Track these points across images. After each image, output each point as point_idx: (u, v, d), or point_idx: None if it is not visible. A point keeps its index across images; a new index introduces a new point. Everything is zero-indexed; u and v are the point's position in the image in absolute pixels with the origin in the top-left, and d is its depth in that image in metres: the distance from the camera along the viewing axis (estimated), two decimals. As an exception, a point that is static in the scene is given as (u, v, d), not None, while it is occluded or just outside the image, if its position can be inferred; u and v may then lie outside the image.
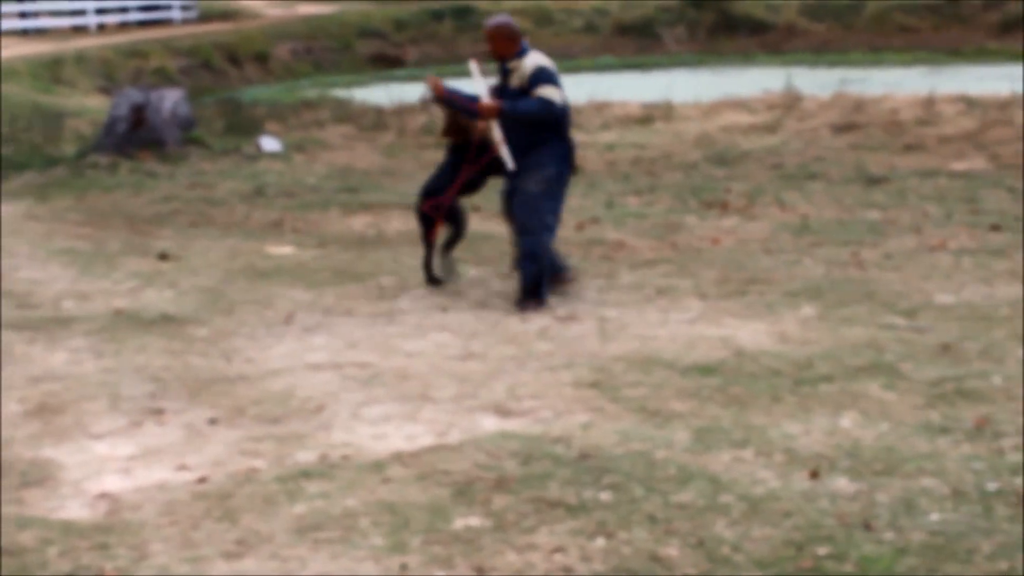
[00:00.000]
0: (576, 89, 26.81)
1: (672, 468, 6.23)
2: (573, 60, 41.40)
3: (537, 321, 9.42)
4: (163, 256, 12.31)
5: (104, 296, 10.80)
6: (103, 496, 6.37)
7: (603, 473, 6.19)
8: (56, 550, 5.67)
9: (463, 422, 7.23)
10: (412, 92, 24.92)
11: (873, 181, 14.82)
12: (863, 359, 8.02)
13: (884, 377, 7.65)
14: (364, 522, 5.79)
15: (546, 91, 9.62)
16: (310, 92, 30.67)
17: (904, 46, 40.71)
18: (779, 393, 7.42)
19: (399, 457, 6.64)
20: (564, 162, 9.84)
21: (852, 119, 18.97)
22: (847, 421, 6.92)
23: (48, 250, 12.93)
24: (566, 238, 12.23)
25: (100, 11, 43.34)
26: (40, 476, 6.68)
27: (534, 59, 9.75)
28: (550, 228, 9.83)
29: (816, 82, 26.87)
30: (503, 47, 9.84)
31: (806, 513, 5.66)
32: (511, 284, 10.45)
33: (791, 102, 21.17)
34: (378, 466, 6.51)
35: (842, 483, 6.00)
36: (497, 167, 10.09)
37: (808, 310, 9.39)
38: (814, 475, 6.09)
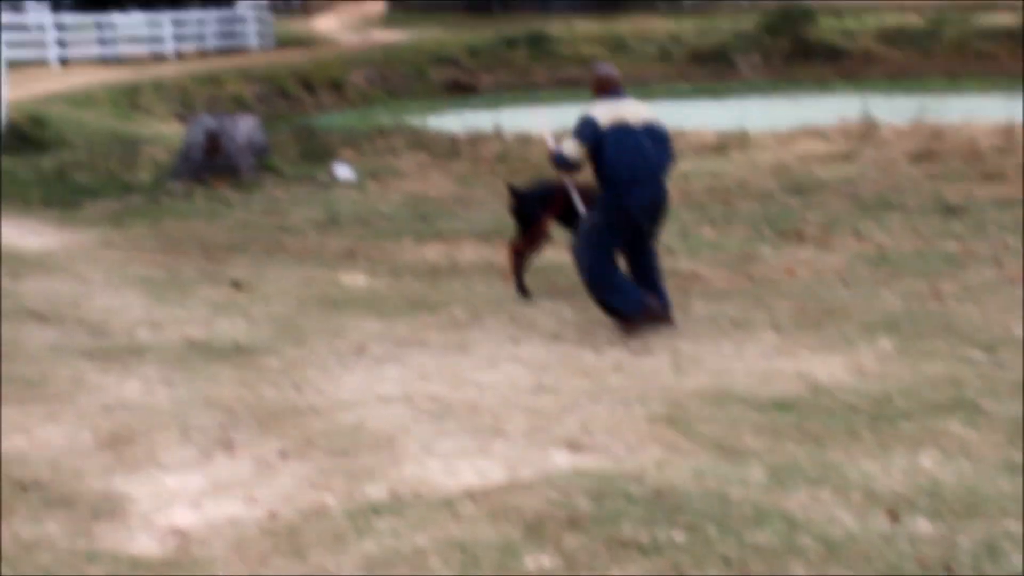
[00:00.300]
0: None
1: (747, 507, 6.12)
2: (647, 87, 41.30)
3: (611, 354, 9.33)
4: (236, 284, 12.33)
5: (177, 325, 10.82)
6: (173, 530, 6.34)
7: (677, 512, 6.08)
8: (125, 585, 5.65)
9: (535, 457, 7.15)
10: (485, 119, 24.93)
11: (951, 211, 14.60)
12: (943, 395, 7.87)
13: (964, 414, 7.49)
14: (434, 561, 5.72)
15: (565, 142, 10.09)
16: (384, 119, 30.75)
17: (982, 72, 40.31)
18: (857, 430, 7.28)
19: (470, 493, 6.57)
20: (607, 212, 9.95)
21: (930, 147, 18.74)
22: (927, 460, 6.78)
23: (123, 278, 12.99)
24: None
25: (178, 39, 43.72)
26: (110, 509, 6.66)
27: (589, 109, 10.05)
28: (594, 273, 9.97)
29: (893, 109, 26.57)
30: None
31: (885, 556, 5.54)
32: (584, 315, 10.37)
33: (868, 130, 20.96)
34: (448, 503, 6.43)
35: (922, 525, 5.86)
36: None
37: (886, 344, 9.23)
38: (893, 516, 5.96)
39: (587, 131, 9.90)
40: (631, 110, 9.97)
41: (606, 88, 10.06)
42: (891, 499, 6.19)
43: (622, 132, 9.81)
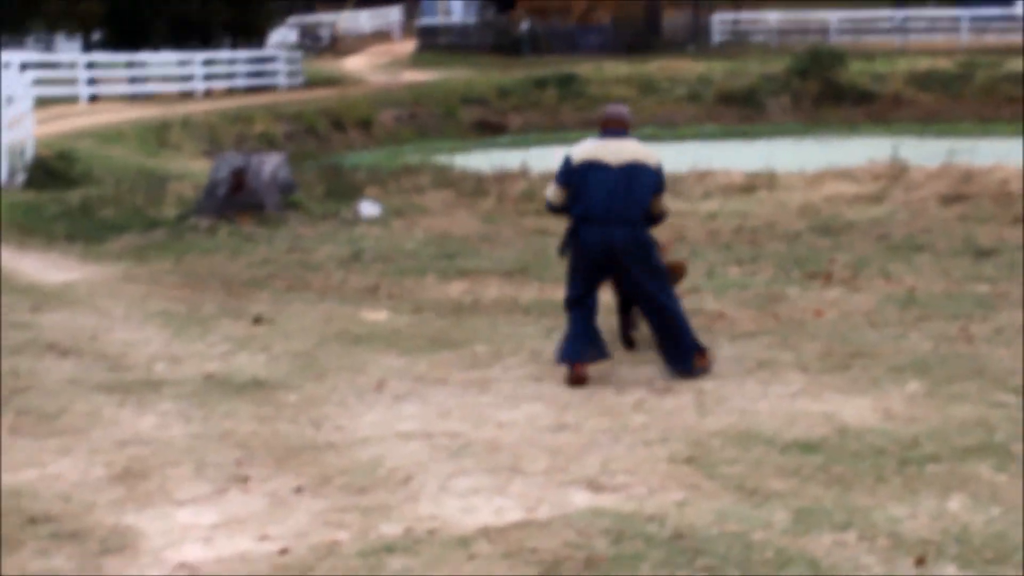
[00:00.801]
0: (678, 157, 26.74)
1: (770, 551, 5.96)
2: (676, 128, 41.34)
3: (633, 393, 9.18)
4: (258, 320, 12.22)
5: (196, 359, 10.72)
6: (183, 566, 6.23)
7: (697, 555, 5.93)
8: (130, 623, 5.51)
9: (553, 497, 7.01)
10: (513, 158, 24.88)
11: (982, 253, 14.44)
12: (972, 439, 7.70)
13: (994, 458, 7.32)
14: (447, 602, 5.58)
15: (549, 185, 10.18)
16: (412, 158, 30.74)
17: (1013, 116, 40.17)
18: (884, 473, 7.12)
19: (486, 532, 6.43)
20: (571, 248, 9.89)
21: (960, 190, 18.57)
22: (955, 504, 6.61)
23: (144, 312, 12.90)
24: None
25: (208, 77, 43.89)
26: (120, 543, 6.54)
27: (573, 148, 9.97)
28: (569, 305, 9.89)
29: (923, 152, 26.44)
30: None
31: (912, 603, 5.37)
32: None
33: (897, 172, 20.80)
34: (464, 542, 6.29)
35: (950, 571, 5.71)
36: None
37: (915, 386, 9.06)
38: (920, 562, 5.80)
39: (561, 170, 9.79)
40: (614, 148, 9.61)
41: (606, 127, 9.77)
42: (918, 545, 6.03)
43: (592, 170, 9.55)
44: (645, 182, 9.55)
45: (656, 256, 9.75)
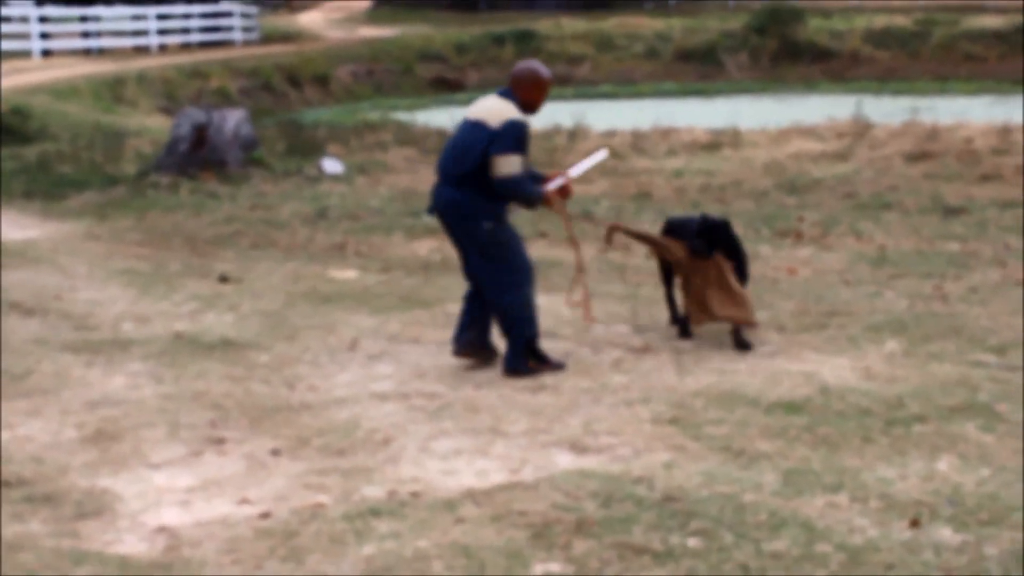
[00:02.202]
0: (639, 114, 26.69)
1: (763, 513, 5.87)
2: (634, 86, 41.17)
3: (610, 353, 9.08)
4: (224, 279, 12.05)
5: (164, 319, 10.55)
6: (162, 530, 6.09)
7: (689, 517, 5.84)
8: (113, 589, 5.38)
9: (537, 458, 6.90)
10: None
11: (951, 212, 14.40)
12: (956, 399, 7.63)
13: (980, 419, 7.26)
14: (438, 566, 5.47)
15: None
16: (371, 115, 30.51)
17: (970, 74, 40.22)
18: (870, 434, 7.05)
19: (471, 495, 6.32)
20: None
21: (925, 148, 18.54)
22: (944, 465, 6.55)
23: (107, 270, 12.71)
24: (637, 266, 11.93)
25: (162, 32, 43.37)
26: (96, 507, 6.40)
27: None
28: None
29: (882, 110, 26.47)
30: None
31: (910, 565, 5.30)
32: (581, 312, 10.13)
33: (861, 130, 20.77)
34: (450, 505, 6.18)
35: (945, 533, 5.63)
36: None
37: (893, 345, 9.00)
38: (915, 524, 5.73)
39: None
40: (480, 105, 8.66)
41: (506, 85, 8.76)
42: (911, 506, 5.96)
43: (456, 129, 8.82)
44: (475, 142, 8.44)
45: (485, 231, 8.52)
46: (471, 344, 8.87)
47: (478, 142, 8.45)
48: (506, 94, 8.57)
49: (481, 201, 8.51)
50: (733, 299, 9.03)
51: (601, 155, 9.72)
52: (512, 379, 8.48)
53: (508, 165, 8.39)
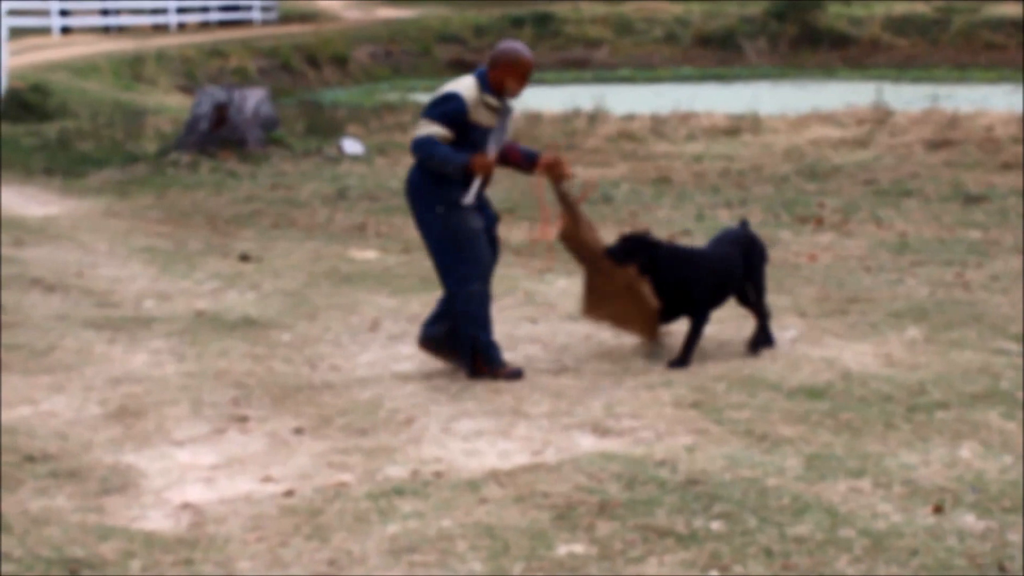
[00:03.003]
0: (658, 99, 26.68)
1: (786, 497, 5.88)
2: (653, 70, 41.10)
3: (631, 336, 9.07)
4: (244, 257, 12.09)
5: (185, 296, 10.58)
6: (186, 506, 6.12)
7: (713, 500, 5.85)
8: (139, 564, 5.42)
9: (559, 440, 6.92)
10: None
11: (971, 199, 14.37)
12: (978, 386, 7.62)
13: (1002, 406, 7.25)
14: (461, 545, 5.48)
15: None
16: (390, 95, 30.49)
17: (990, 63, 40.08)
18: (893, 420, 7.04)
19: (494, 476, 6.33)
20: None
21: (946, 135, 18.49)
22: (967, 452, 6.54)
23: (128, 248, 12.75)
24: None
25: (181, 10, 43.39)
26: (121, 483, 6.43)
27: None
28: None
29: (901, 97, 26.42)
30: None
31: (933, 551, 5.31)
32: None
33: (881, 117, 20.71)
34: (473, 485, 6.20)
35: (969, 520, 5.63)
36: None
37: (914, 332, 8.99)
38: (938, 510, 5.73)
39: None
40: (451, 83, 8.21)
41: None
42: (934, 492, 5.96)
43: None
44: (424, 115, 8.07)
45: (437, 215, 8.10)
46: (434, 339, 8.34)
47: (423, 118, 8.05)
48: (480, 75, 8.05)
49: (432, 182, 8.07)
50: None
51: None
52: (533, 358, 8.46)
53: (420, 128, 7.97)
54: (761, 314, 8.73)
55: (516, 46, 8.18)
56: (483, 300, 8.19)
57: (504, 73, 8.02)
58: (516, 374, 8.18)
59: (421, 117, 8.04)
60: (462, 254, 8.10)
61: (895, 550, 5.33)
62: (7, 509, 5.99)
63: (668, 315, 8.60)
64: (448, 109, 7.94)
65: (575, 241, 8.68)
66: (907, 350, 8.55)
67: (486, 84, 8.02)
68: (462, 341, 8.22)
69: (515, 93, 8.14)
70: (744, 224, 9.09)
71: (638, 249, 8.46)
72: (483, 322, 8.19)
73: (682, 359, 8.34)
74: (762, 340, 8.65)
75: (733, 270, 8.68)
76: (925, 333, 8.97)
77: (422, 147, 7.95)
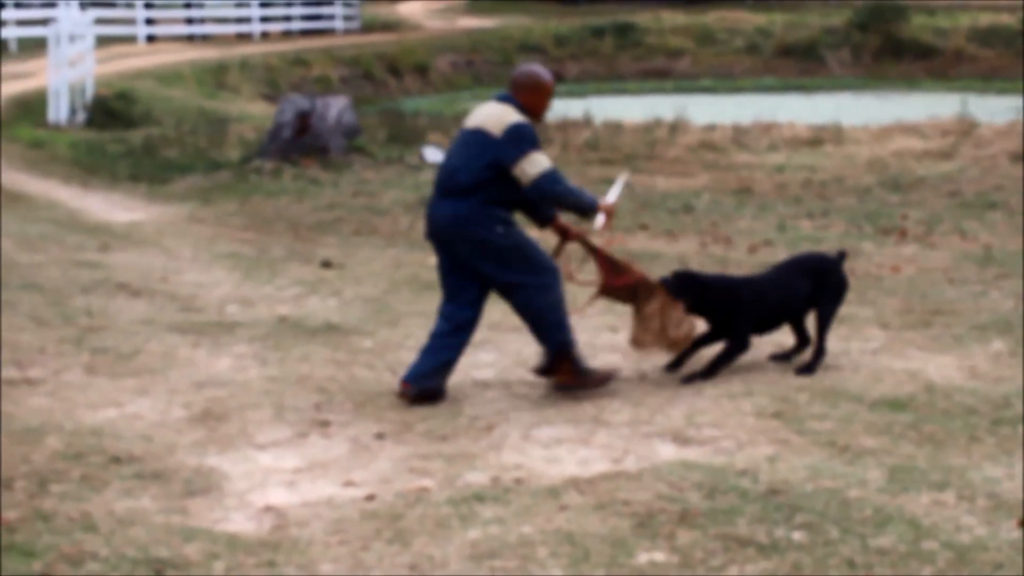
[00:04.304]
0: (739, 109, 26.59)
1: (868, 509, 5.85)
2: (734, 80, 40.99)
3: (712, 347, 9.04)
4: (327, 264, 12.17)
5: (267, 302, 10.67)
6: (269, 509, 6.17)
7: (794, 511, 5.83)
8: (222, 565, 5.47)
9: (640, 449, 6.92)
10: (571, 107, 24.67)
11: (1058, 213, 14.22)
12: (1063, 400, 7.55)
13: (1088, 421, 7.17)
14: (542, 552, 5.50)
15: None
16: (470, 104, 30.55)
17: (1077, 74, 39.57)
18: (976, 433, 6.99)
19: (575, 483, 6.34)
20: None
21: (1032, 148, 18.30)
22: (1052, 466, 6.48)
23: (212, 254, 12.88)
24: (739, 260, 11.88)
25: (264, 19, 43.78)
26: (205, 485, 6.50)
27: None
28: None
29: (986, 109, 26.13)
30: None
31: (1019, 565, 5.26)
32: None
33: (966, 128, 20.54)
34: (553, 492, 6.21)
35: (1054, 534, 5.58)
36: None
37: (999, 345, 8.90)
38: (1023, 524, 5.68)
39: None
40: (479, 112, 8.09)
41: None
42: (1019, 506, 5.90)
43: (454, 141, 8.23)
44: (478, 152, 7.86)
45: (500, 234, 7.92)
46: (432, 391, 7.99)
47: (481, 152, 7.85)
48: (505, 99, 7.99)
49: (489, 209, 7.89)
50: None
51: (624, 178, 8.94)
52: (613, 366, 8.44)
53: (535, 164, 7.79)
54: (819, 346, 8.51)
55: (539, 69, 8.15)
56: (563, 306, 8.09)
57: (533, 97, 8.00)
58: (608, 378, 8.12)
59: (516, 159, 7.75)
60: (537, 263, 8.01)
61: (979, 563, 5.29)
62: (93, 509, 6.08)
63: (711, 338, 8.58)
64: (533, 135, 7.86)
65: (614, 292, 8.54)
66: (991, 363, 8.48)
67: (522, 109, 7.94)
68: (551, 351, 8.07)
69: (543, 117, 8.19)
70: (840, 255, 8.89)
71: (689, 286, 8.40)
72: (567, 328, 8.07)
73: (704, 373, 8.31)
74: (807, 368, 8.44)
75: (788, 298, 8.59)
76: (1010, 346, 8.88)
77: (555, 179, 7.82)
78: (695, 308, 8.36)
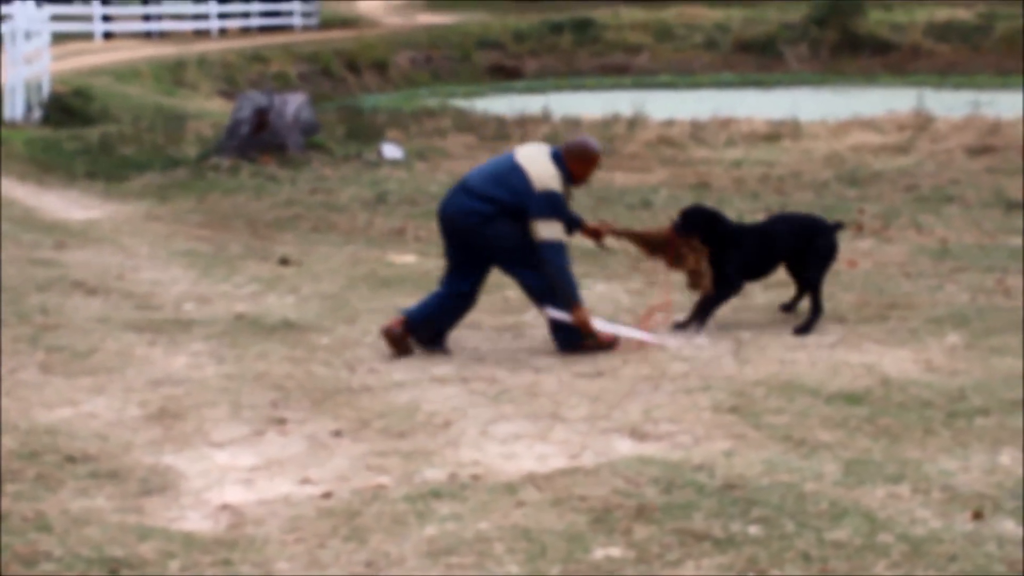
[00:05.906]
0: (698, 105, 26.65)
1: (824, 502, 5.87)
2: (693, 76, 41.05)
3: (670, 340, 9.08)
4: (284, 261, 12.14)
5: (225, 300, 10.63)
6: (225, 508, 6.15)
7: (750, 505, 5.84)
8: (178, 564, 5.44)
9: (597, 444, 6.92)
10: (530, 103, 24.69)
11: (1013, 206, 14.29)
12: (1018, 392, 7.58)
13: (1043, 413, 7.21)
14: (499, 548, 5.49)
15: None
16: (429, 101, 30.55)
17: (1032, 70, 39.79)
18: (932, 426, 7.02)
19: (532, 479, 6.34)
20: None
21: (988, 142, 18.43)
22: (1007, 458, 6.51)
23: (169, 251, 12.82)
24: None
25: (222, 15, 43.61)
26: (160, 484, 6.47)
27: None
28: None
29: (943, 104, 26.22)
30: None
31: (972, 558, 5.29)
32: (640, 300, 10.16)
33: (922, 123, 20.66)
34: (510, 488, 6.21)
35: (1008, 526, 5.61)
36: None
37: (954, 338, 8.95)
38: (977, 516, 5.71)
39: None
40: (533, 154, 8.96)
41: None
42: (973, 498, 5.93)
43: (499, 157, 9.38)
44: (516, 185, 8.75)
45: (516, 225, 8.83)
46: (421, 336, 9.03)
47: (515, 187, 8.78)
48: (557, 158, 8.91)
49: (505, 212, 8.83)
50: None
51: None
52: (571, 362, 8.49)
53: (551, 230, 8.77)
54: (815, 306, 9.42)
55: (591, 142, 9.15)
56: (570, 276, 8.92)
57: (581, 165, 8.98)
58: (614, 342, 8.97)
59: (538, 218, 8.74)
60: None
61: (933, 556, 5.31)
62: (48, 509, 6.03)
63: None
64: (559, 207, 8.80)
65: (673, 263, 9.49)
66: (947, 356, 8.52)
67: (568, 174, 8.91)
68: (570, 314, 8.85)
69: (585, 182, 9.21)
70: (837, 224, 9.96)
71: (699, 221, 9.34)
72: (575, 286, 8.91)
73: (696, 317, 9.32)
74: (803, 328, 9.25)
75: (781, 249, 9.61)
76: (965, 339, 8.93)
77: (558, 252, 8.83)
78: (708, 241, 9.29)
